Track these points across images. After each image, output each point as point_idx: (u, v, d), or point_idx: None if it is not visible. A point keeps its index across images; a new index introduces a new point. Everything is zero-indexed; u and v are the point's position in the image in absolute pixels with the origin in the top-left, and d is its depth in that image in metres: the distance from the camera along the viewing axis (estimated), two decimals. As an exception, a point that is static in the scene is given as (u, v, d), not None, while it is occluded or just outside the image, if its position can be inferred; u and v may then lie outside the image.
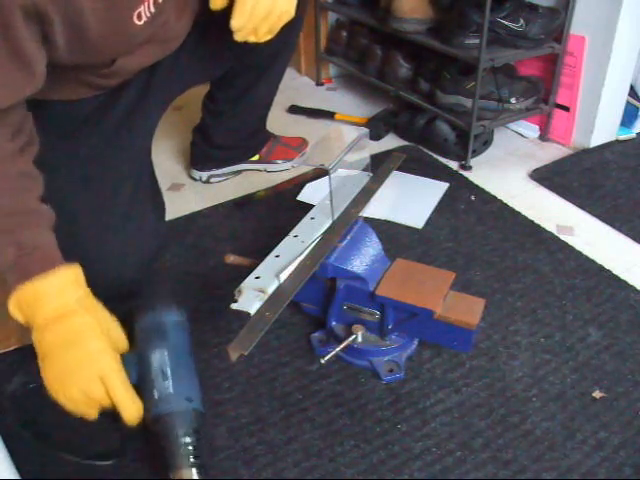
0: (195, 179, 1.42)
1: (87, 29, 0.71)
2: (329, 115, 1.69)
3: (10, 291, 0.67)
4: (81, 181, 0.98)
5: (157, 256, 1.05)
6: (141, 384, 0.71)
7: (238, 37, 0.86)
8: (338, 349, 0.86)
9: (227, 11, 0.85)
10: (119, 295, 1.02)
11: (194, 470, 0.69)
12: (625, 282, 1.06)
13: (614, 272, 1.08)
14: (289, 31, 1.18)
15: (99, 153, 0.96)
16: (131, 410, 0.68)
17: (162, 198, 1.10)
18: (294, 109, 1.73)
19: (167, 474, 0.70)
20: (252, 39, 0.87)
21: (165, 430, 0.69)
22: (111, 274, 0.97)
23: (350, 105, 1.78)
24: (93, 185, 0.97)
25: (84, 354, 0.67)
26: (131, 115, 1.01)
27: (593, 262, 1.11)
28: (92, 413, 0.69)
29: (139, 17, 0.78)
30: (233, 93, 1.25)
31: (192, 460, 0.69)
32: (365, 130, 0.94)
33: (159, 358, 0.72)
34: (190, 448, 0.69)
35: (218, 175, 1.41)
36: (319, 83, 1.92)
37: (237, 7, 0.82)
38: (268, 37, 0.88)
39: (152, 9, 0.80)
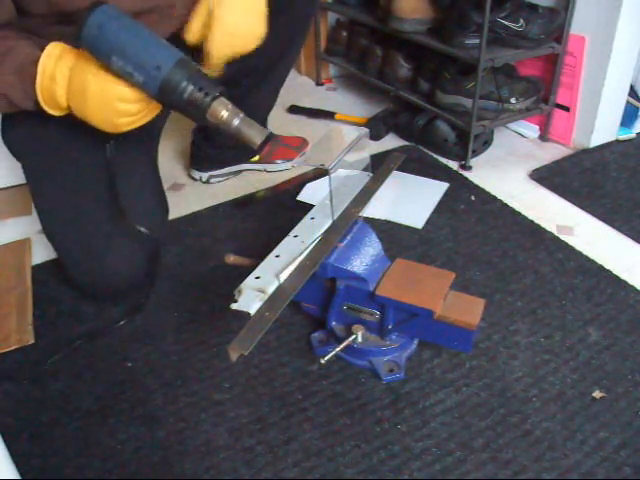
0: (195, 179, 1.42)
1: None
2: (329, 115, 1.69)
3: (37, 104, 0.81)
4: (83, 180, 0.98)
5: (159, 254, 1.05)
6: None
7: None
8: (338, 349, 0.86)
9: None
10: (122, 292, 1.03)
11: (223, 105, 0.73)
12: (625, 282, 1.06)
13: (614, 272, 1.08)
14: (294, 31, 1.17)
15: (100, 152, 0.96)
16: (154, 105, 0.78)
17: (165, 197, 1.10)
18: (294, 109, 1.73)
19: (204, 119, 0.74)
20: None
21: (170, 100, 0.73)
22: (113, 271, 0.98)
23: (350, 105, 1.78)
24: (95, 183, 0.98)
25: (96, 100, 0.76)
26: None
27: (593, 262, 1.11)
28: (149, 117, 0.81)
29: None
30: (236, 93, 1.25)
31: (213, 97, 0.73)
32: (365, 130, 0.94)
33: (115, 66, 0.72)
34: (197, 95, 0.72)
35: (218, 175, 1.41)
36: (319, 83, 1.92)
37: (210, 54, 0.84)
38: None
39: None
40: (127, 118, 0.79)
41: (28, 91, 0.80)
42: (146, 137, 1.07)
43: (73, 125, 0.94)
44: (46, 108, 0.82)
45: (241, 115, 0.74)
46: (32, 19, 0.85)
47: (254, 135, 0.74)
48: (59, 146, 0.98)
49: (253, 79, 1.22)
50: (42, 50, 0.79)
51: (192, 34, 0.85)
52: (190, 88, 0.71)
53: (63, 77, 0.78)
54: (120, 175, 0.95)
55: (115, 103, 0.77)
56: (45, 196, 1.01)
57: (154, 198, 1.07)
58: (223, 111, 0.73)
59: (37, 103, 0.81)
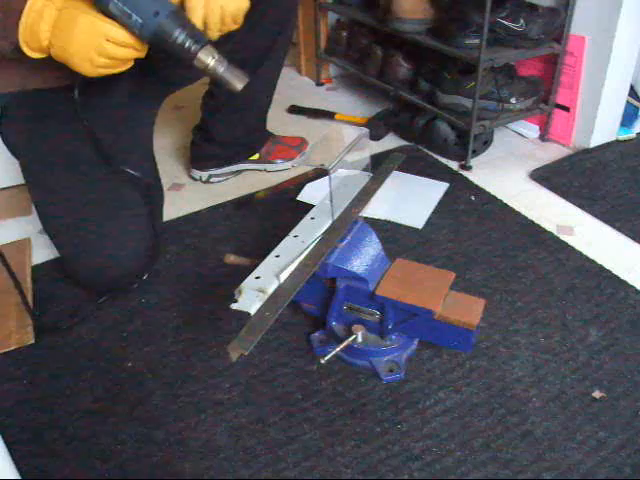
0: (195, 179, 1.42)
1: None
2: (329, 115, 1.69)
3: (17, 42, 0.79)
4: (77, 173, 0.98)
5: (156, 250, 1.06)
6: None
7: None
8: (338, 349, 0.86)
9: None
10: (120, 284, 1.03)
11: (209, 52, 0.80)
12: (625, 282, 1.06)
13: (614, 272, 1.08)
14: (281, 21, 1.18)
15: (93, 145, 0.97)
16: (138, 47, 0.80)
17: (162, 191, 1.10)
18: (294, 109, 1.73)
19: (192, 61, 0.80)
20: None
21: (163, 42, 0.78)
22: (109, 263, 0.98)
23: (350, 105, 1.78)
24: (88, 177, 0.98)
25: (83, 34, 0.77)
26: (127, 108, 1.02)
27: (593, 262, 1.11)
28: (126, 66, 0.82)
29: None
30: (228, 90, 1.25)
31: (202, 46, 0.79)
32: (365, 130, 0.94)
33: (114, 8, 0.77)
34: (189, 41, 0.79)
35: (218, 175, 1.41)
36: (319, 83, 1.92)
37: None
38: (236, 27, 0.89)
39: None
40: (107, 60, 0.80)
41: (9, 29, 0.79)
42: (138, 131, 1.07)
43: (70, 121, 0.93)
44: (24, 47, 0.80)
45: (225, 63, 0.81)
46: None
47: (236, 82, 0.82)
48: (56, 142, 0.98)
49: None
50: None
51: None
52: (183, 35, 0.78)
53: (50, 15, 0.78)
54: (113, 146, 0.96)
55: (101, 39, 0.78)
56: (43, 192, 1.01)
57: (149, 167, 1.07)
58: (209, 58, 0.80)
59: (15, 46, 0.80)
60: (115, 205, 1.00)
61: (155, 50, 0.81)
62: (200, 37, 0.80)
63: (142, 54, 0.83)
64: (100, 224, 0.99)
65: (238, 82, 0.82)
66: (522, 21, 1.32)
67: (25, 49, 0.81)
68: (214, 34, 0.86)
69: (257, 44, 1.16)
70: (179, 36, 0.78)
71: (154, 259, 1.07)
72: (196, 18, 0.82)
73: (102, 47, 0.78)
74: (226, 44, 1.09)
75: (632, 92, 1.49)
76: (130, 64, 0.83)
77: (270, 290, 0.76)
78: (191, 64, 0.80)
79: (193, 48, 0.79)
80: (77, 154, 0.98)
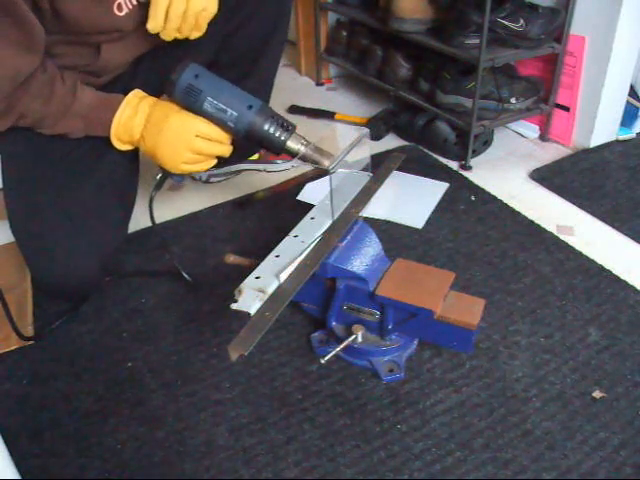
0: (195, 179, 1.42)
1: (68, 10, 0.81)
2: (329, 115, 1.68)
3: (108, 134, 0.91)
4: (46, 173, 0.96)
5: (113, 255, 1.04)
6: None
7: (163, 36, 0.89)
8: (338, 349, 0.86)
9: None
10: (75, 291, 1.02)
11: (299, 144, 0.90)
12: (625, 282, 1.06)
13: (614, 272, 1.08)
14: (276, 17, 1.17)
15: (71, 147, 0.96)
16: (227, 147, 0.93)
17: (134, 198, 1.09)
18: (294, 109, 1.73)
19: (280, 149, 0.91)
20: (179, 36, 0.90)
21: (257, 133, 0.89)
22: (66, 268, 0.95)
23: (350, 105, 1.78)
24: (58, 178, 0.96)
25: (175, 128, 0.86)
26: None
27: (593, 262, 1.11)
28: (208, 164, 0.94)
29: (119, 8, 0.86)
30: None
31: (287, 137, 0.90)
32: (365, 130, 0.94)
33: (209, 106, 0.86)
34: (279, 130, 0.89)
35: (218, 175, 1.41)
36: (319, 83, 1.92)
37: (151, 10, 0.86)
38: (197, 34, 0.91)
39: (134, 2, 0.87)
40: (194, 156, 0.88)
41: (91, 129, 0.89)
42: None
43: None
44: (115, 141, 0.90)
45: (312, 146, 0.90)
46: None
47: (324, 161, 0.88)
48: (39, 144, 0.97)
49: (239, 70, 1.22)
50: (96, 87, 0.89)
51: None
52: (274, 125, 0.88)
53: (144, 111, 0.88)
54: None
55: (191, 135, 0.86)
56: (14, 191, 0.98)
57: (117, 199, 1.04)
58: (298, 144, 0.90)
59: (91, 135, 0.90)
60: (80, 209, 0.96)
61: (246, 140, 0.91)
62: (289, 124, 0.89)
63: (227, 149, 0.92)
64: (58, 235, 0.95)
65: (326, 161, 0.88)
66: (522, 21, 1.32)
67: (115, 142, 0.91)
68: (171, 32, 0.88)
69: (250, 42, 1.16)
70: (270, 126, 0.88)
71: (106, 270, 1.05)
72: (160, 9, 0.84)
73: (191, 142, 0.87)
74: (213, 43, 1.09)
75: (632, 92, 1.49)
76: (212, 163, 0.94)
77: (270, 290, 0.76)
78: (281, 150, 0.91)
79: (283, 137, 0.89)
80: (55, 169, 0.97)
